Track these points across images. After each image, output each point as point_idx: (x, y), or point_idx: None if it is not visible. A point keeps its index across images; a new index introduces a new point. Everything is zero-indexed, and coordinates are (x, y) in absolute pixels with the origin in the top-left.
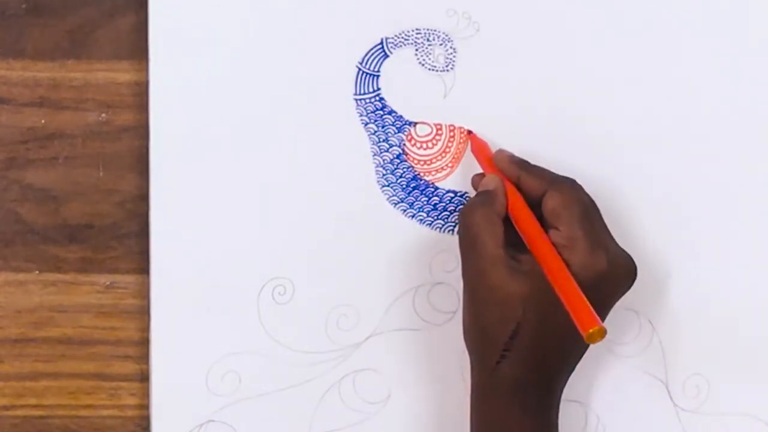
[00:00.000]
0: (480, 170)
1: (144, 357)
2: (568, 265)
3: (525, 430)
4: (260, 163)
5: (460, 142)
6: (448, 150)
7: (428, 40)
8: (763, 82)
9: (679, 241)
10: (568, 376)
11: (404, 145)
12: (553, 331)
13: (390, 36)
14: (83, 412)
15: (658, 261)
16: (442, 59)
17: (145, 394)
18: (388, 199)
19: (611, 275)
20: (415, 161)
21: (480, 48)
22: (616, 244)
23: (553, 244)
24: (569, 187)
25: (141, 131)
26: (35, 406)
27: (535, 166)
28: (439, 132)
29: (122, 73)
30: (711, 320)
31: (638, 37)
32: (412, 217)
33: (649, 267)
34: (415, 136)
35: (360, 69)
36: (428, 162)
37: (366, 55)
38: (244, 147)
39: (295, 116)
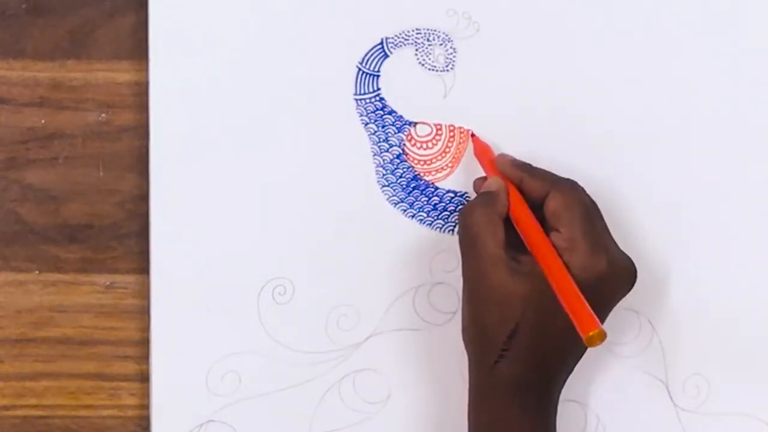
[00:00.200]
0: (482, 173)
1: (144, 357)
2: (568, 267)
3: (523, 430)
4: (260, 163)
5: (460, 142)
6: (448, 150)
7: (428, 40)
8: (763, 82)
9: (679, 241)
10: (567, 377)
11: (404, 145)
12: (553, 332)
13: (390, 36)
14: (83, 412)
15: (658, 261)
16: (442, 59)
17: (145, 394)
18: (388, 199)
19: (611, 277)
20: (415, 161)
21: (480, 48)
22: (617, 247)
23: (554, 246)
24: (570, 188)
25: (141, 131)
26: (35, 407)
27: (537, 169)
28: (439, 132)
29: (122, 73)
30: (711, 320)
31: (638, 37)
32: (412, 217)
33: (649, 267)
34: (415, 136)
35: (360, 69)
36: (428, 162)
37: (366, 55)
38: (244, 147)
39: (295, 116)
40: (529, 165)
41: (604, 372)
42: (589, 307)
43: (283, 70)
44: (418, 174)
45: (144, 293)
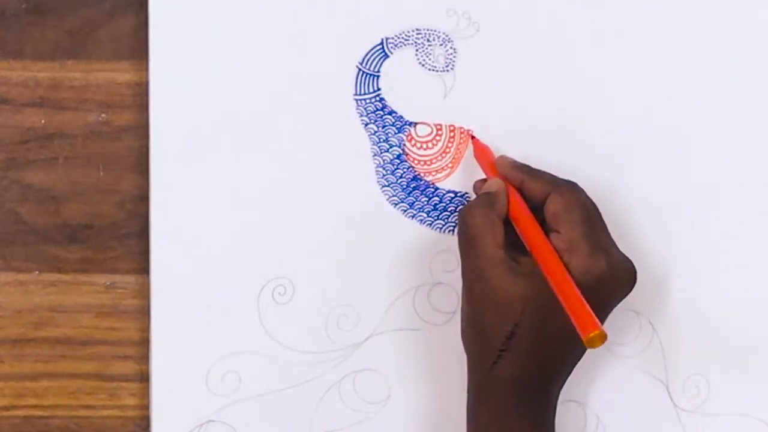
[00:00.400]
0: (482, 174)
1: (144, 357)
2: (568, 269)
3: (521, 431)
4: (260, 163)
5: (460, 143)
6: (448, 150)
7: (428, 40)
8: (763, 82)
9: (679, 241)
10: (566, 378)
11: (404, 145)
12: (552, 333)
13: (390, 36)
14: (83, 413)
15: (658, 261)
16: (442, 59)
17: (145, 394)
18: (388, 199)
19: (611, 279)
20: (415, 161)
21: (480, 48)
22: (617, 248)
23: (554, 248)
24: (571, 190)
25: (141, 131)
26: (35, 407)
27: (537, 170)
28: (439, 132)
29: (122, 73)
30: (711, 320)
31: (638, 38)
32: (412, 217)
33: (649, 268)
34: (415, 137)
35: (360, 69)
36: (428, 162)
37: (366, 55)
38: (244, 147)
39: (295, 116)
40: (529, 167)
41: (604, 372)
42: (590, 309)
43: (283, 70)
44: (418, 174)
45: (144, 293)
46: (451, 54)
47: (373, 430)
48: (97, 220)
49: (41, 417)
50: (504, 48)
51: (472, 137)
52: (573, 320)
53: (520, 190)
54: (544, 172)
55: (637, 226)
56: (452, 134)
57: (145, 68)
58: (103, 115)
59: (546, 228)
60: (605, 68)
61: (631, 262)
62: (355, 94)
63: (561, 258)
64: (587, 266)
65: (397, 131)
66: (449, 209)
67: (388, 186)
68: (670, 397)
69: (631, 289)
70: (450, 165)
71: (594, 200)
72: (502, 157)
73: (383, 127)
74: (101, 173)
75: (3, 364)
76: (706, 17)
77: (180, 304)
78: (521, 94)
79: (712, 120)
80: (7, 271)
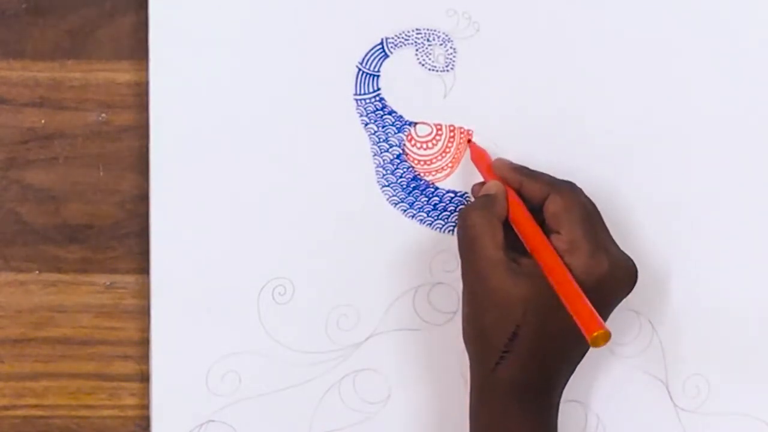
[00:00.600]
0: (480, 178)
1: (144, 357)
2: (569, 269)
3: None
4: (260, 163)
5: (460, 143)
6: (448, 150)
7: (428, 40)
8: (763, 82)
9: (679, 241)
10: (568, 379)
11: (404, 145)
12: (554, 333)
13: (390, 36)
14: (83, 412)
15: (658, 261)
16: (442, 59)
17: (145, 394)
18: (388, 199)
19: (612, 278)
20: (415, 161)
21: (480, 48)
22: (618, 247)
23: (555, 249)
24: (570, 190)
25: (141, 131)
26: (35, 406)
27: (535, 172)
28: (439, 132)
29: (122, 73)
30: (711, 320)
31: (638, 38)
32: (412, 217)
33: (649, 267)
34: (415, 136)
35: (360, 69)
36: (428, 162)
37: (366, 55)
38: (244, 147)
39: (295, 116)
40: (527, 168)
41: (604, 372)
42: (593, 309)
43: (283, 70)
44: (418, 174)
45: (144, 293)
46: (451, 54)
47: (373, 430)
48: (97, 220)
49: (41, 417)
50: (504, 48)
51: (469, 141)
52: (576, 320)
53: (519, 192)
54: (542, 174)
55: (637, 226)
56: (452, 134)
57: (145, 68)
58: (103, 115)
59: (546, 229)
60: (605, 68)
61: (631, 261)
62: (355, 94)
63: (562, 259)
64: (589, 266)
65: (397, 131)
66: (449, 209)
67: (388, 186)
68: (670, 397)
69: (631, 289)
70: (450, 165)
71: (594, 200)
72: (499, 159)
73: (383, 127)
74: (101, 173)
75: (3, 364)
76: (706, 17)
77: (180, 304)
78: (521, 94)
79: (712, 120)
80: (7, 271)
